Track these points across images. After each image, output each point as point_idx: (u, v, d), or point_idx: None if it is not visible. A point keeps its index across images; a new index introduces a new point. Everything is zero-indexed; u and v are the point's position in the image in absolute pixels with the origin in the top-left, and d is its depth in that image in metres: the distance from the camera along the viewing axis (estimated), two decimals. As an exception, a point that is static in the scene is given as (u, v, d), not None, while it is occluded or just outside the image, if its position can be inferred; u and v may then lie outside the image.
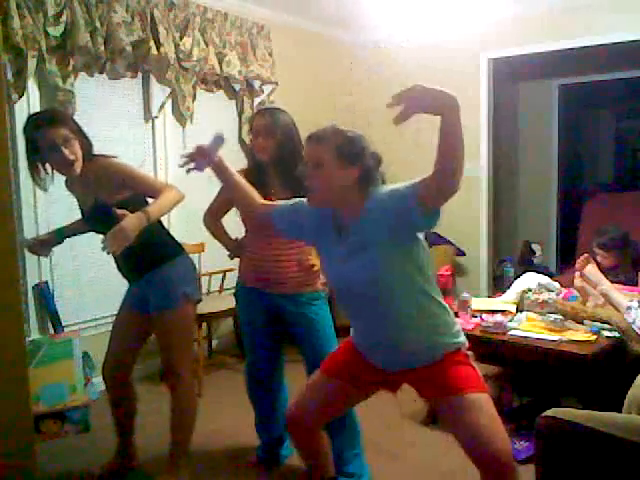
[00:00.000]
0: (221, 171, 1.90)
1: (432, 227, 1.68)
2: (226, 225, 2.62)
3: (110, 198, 2.23)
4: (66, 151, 2.16)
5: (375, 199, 1.73)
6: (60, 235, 2.54)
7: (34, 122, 2.21)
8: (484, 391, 1.78)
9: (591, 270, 2.69)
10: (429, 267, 1.81)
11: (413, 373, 1.84)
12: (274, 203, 2.03)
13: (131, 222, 2.05)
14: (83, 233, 2.54)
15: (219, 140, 1.85)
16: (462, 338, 1.85)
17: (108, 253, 2.04)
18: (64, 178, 2.36)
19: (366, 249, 1.73)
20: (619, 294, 2.51)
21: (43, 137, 2.15)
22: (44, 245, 2.49)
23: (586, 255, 2.72)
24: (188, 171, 1.84)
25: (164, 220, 2.50)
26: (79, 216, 2.49)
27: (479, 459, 1.71)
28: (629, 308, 2.36)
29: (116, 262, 2.40)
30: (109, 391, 2.54)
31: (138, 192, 2.27)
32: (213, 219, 2.59)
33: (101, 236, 2.39)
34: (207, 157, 1.82)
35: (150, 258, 2.25)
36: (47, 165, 2.26)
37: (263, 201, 2.01)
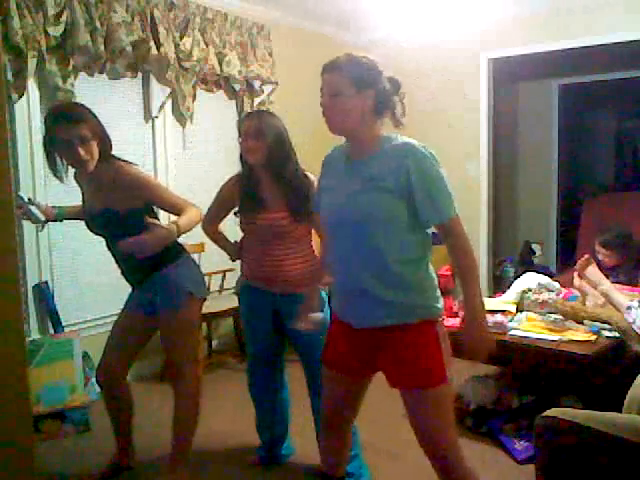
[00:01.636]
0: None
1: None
2: (224, 228, 2.63)
3: (122, 205, 2.23)
4: (81, 150, 2.14)
5: (393, 149, 1.73)
6: (60, 214, 2.53)
7: (55, 116, 2.18)
8: (444, 382, 1.77)
9: (591, 270, 2.69)
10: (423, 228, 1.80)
11: (383, 341, 1.81)
12: (316, 216, 2.04)
13: (161, 233, 2.08)
14: (81, 219, 2.50)
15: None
16: (440, 305, 1.84)
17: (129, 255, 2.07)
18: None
19: (368, 190, 1.73)
20: (619, 294, 2.51)
21: (60, 132, 2.13)
22: (40, 211, 2.43)
23: (587, 256, 2.72)
24: None
25: (165, 221, 2.51)
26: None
27: (427, 451, 1.81)
28: (629, 308, 2.36)
29: (119, 266, 2.40)
30: (104, 392, 2.53)
31: (159, 207, 2.28)
32: (211, 225, 2.58)
33: (98, 236, 2.40)
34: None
35: (154, 261, 2.24)
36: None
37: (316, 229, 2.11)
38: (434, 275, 1.86)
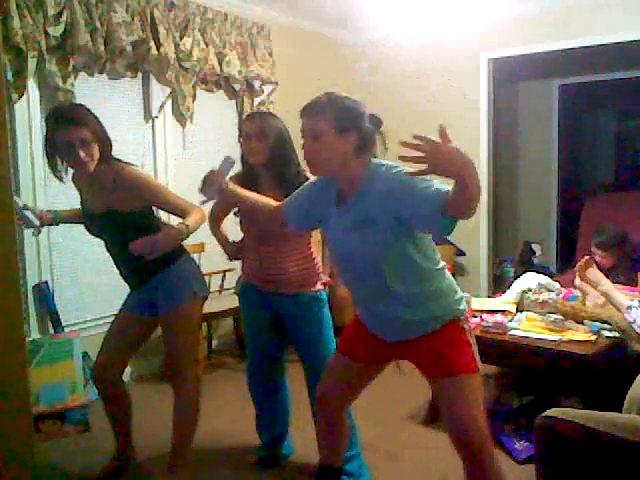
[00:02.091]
0: (232, 195, 1.98)
1: (449, 232, 1.60)
2: (226, 229, 2.62)
3: (123, 206, 2.23)
4: (82, 153, 2.13)
5: (378, 176, 1.71)
6: (56, 218, 2.51)
7: (55, 118, 2.17)
8: (474, 371, 1.78)
9: (591, 271, 2.69)
10: (425, 240, 1.78)
11: (410, 346, 1.84)
12: (283, 203, 2.04)
13: (172, 233, 2.13)
14: (78, 223, 2.50)
15: (229, 163, 1.91)
16: (461, 306, 1.83)
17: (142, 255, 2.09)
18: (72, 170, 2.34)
19: (363, 225, 1.72)
20: (620, 294, 2.51)
21: (61, 135, 2.12)
22: (35, 216, 2.40)
23: (587, 258, 2.72)
24: (202, 203, 1.96)
25: (165, 220, 2.51)
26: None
27: (456, 442, 1.78)
28: (629, 307, 2.36)
29: (118, 268, 2.40)
30: (100, 392, 2.53)
31: (162, 208, 2.29)
32: (216, 222, 2.59)
33: (97, 238, 2.39)
34: (216, 183, 1.90)
35: (154, 262, 2.23)
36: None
37: (274, 203, 2.04)
38: (448, 275, 1.85)
